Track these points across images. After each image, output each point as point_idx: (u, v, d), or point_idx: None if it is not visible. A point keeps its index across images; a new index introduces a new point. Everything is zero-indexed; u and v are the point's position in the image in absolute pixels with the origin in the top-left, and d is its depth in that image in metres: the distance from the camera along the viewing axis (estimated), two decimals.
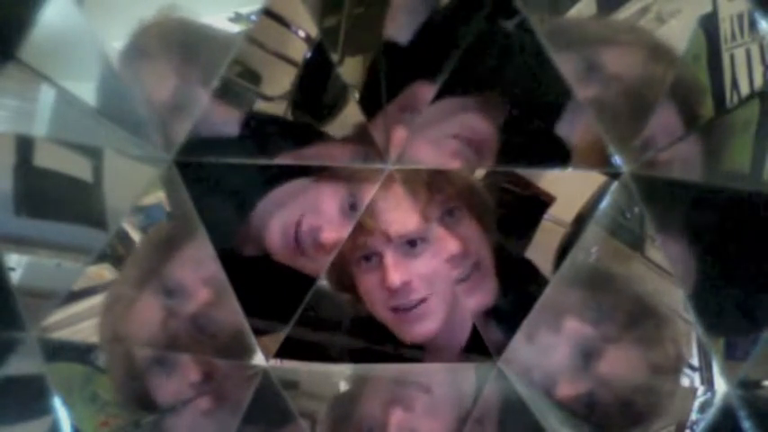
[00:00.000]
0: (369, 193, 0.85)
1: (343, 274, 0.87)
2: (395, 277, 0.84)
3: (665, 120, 0.83)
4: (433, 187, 0.85)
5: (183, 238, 0.88)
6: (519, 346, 0.85)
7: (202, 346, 0.88)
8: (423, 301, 0.86)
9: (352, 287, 0.87)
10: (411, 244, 0.85)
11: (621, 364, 0.86)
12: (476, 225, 0.86)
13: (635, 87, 0.84)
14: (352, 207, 0.86)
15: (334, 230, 0.85)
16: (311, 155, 0.87)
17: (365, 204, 0.85)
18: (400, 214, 0.85)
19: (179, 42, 0.88)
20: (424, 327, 0.87)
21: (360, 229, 0.85)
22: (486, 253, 0.86)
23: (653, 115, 0.82)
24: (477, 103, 0.85)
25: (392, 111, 0.84)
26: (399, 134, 0.84)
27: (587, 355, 0.85)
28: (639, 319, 0.86)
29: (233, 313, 0.87)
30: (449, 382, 0.90)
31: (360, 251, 0.86)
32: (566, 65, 0.81)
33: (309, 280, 0.86)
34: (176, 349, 0.89)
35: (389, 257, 0.85)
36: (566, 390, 0.87)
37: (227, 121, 0.87)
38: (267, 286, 0.88)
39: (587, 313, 0.86)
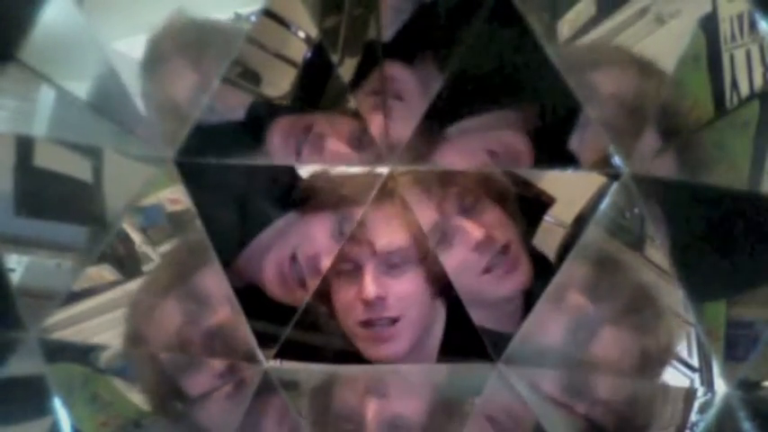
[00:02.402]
0: (355, 213, 0.85)
1: (323, 283, 0.87)
2: (371, 289, 0.84)
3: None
4: (446, 181, 0.85)
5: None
6: (519, 345, 0.85)
7: (214, 355, 0.89)
8: (394, 321, 0.86)
9: (328, 300, 0.87)
10: (394, 262, 0.85)
11: (614, 347, 0.86)
12: (499, 211, 0.86)
13: (630, 103, 0.84)
14: (342, 232, 0.86)
15: (332, 256, 0.86)
16: (317, 120, 0.86)
17: (358, 218, 0.85)
18: (390, 230, 0.85)
19: (193, 40, 0.88)
20: (390, 348, 0.86)
21: (349, 238, 0.85)
22: (513, 236, 0.86)
23: (652, 123, 0.83)
24: (516, 117, 0.86)
25: (362, 97, 0.85)
26: (378, 121, 0.84)
27: (582, 332, 0.85)
28: (640, 306, 0.86)
29: (246, 332, 0.87)
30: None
31: (343, 262, 0.86)
32: None
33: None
34: (187, 353, 0.89)
35: (370, 270, 0.85)
36: (559, 387, 0.87)
37: (230, 116, 0.87)
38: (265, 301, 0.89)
39: (590, 290, 0.86)
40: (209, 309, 0.88)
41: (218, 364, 0.89)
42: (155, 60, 0.88)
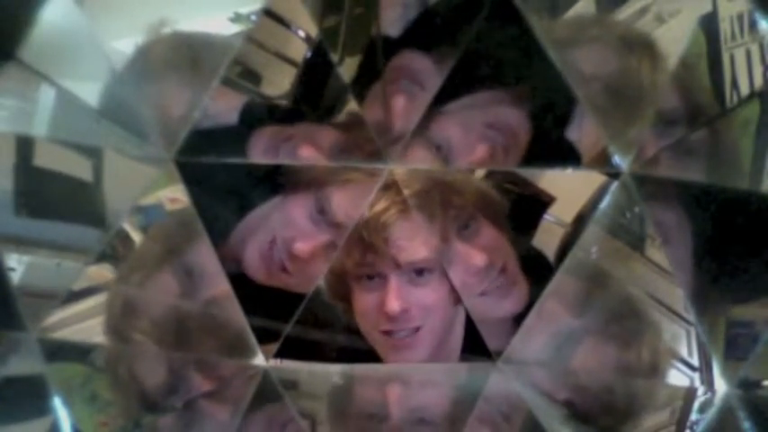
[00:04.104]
0: (334, 193, 0.85)
1: (340, 285, 0.86)
2: (395, 304, 0.84)
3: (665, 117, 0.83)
4: (445, 204, 0.84)
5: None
6: (517, 343, 0.85)
7: (209, 334, 0.88)
8: (415, 330, 0.86)
9: (347, 299, 0.87)
10: (418, 272, 0.85)
11: (593, 358, 0.86)
12: (493, 230, 0.86)
13: (613, 83, 0.84)
14: (321, 211, 0.86)
15: (307, 239, 0.85)
16: (297, 132, 0.86)
17: (336, 204, 0.85)
18: (414, 243, 0.84)
19: (183, 57, 0.88)
20: (409, 355, 0.86)
21: (370, 249, 0.84)
22: (510, 257, 0.86)
23: (642, 109, 0.82)
24: (514, 97, 0.85)
25: (382, 87, 0.84)
26: (399, 104, 0.84)
27: (563, 343, 0.86)
28: (622, 317, 0.86)
29: (240, 312, 0.87)
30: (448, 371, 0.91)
31: (364, 269, 0.85)
32: None
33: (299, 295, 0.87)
34: (182, 334, 0.88)
35: (393, 283, 0.84)
36: (550, 382, 0.88)
37: (228, 117, 0.87)
38: (262, 294, 0.89)
39: (574, 303, 0.86)
40: (207, 282, 0.88)
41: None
42: (145, 77, 0.88)
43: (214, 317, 0.88)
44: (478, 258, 0.84)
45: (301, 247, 0.85)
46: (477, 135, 0.85)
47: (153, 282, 0.89)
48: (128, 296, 0.90)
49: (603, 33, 0.86)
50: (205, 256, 0.87)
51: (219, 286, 0.87)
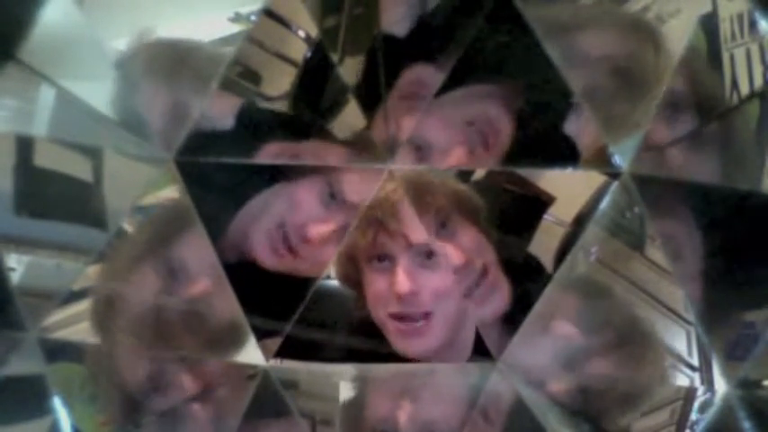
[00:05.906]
0: (345, 174, 0.85)
1: (351, 268, 0.86)
2: (404, 284, 0.84)
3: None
4: (419, 204, 0.84)
5: (195, 220, 0.87)
6: (518, 345, 0.85)
7: (191, 331, 0.88)
8: (426, 316, 0.85)
9: (358, 283, 0.86)
10: (428, 255, 0.85)
11: (596, 374, 0.86)
12: (473, 230, 0.85)
13: (621, 65, 0.84)
14: (332, 196, 0.86)
15: (320, 223, 0.85)
16: (305, 150, 0.86)
17: (348, 185, 0.85)
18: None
19: (164, 63, 0.88)
20: (421, 343, 0.86)
21: (382, 229, 0.84)
22: (491, 257, 0.85)
23: (644, 94, 0.82)
24: (499, 92, 0.85)
25: (394, 102, 0.84)
26: (408, 124, 0.84)
27: (571, 362, 0.86)
28: (628, 339, 0.86)
29: (230, 306, 0.86)
30: (451, 374, 0.90)
31: (376, 250, 0.85)
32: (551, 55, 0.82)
33: (307, 280, 0.86)
34: (164, 326, 0.88)
35: (403, 263, 0.84)
36: (557, 386, 0.87)
37: (227, 119, 0.87)
38: (265, 287, 0.88)
39: (580, 320, 0.86)
40: (188, 279, 0.87)
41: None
42: (129, 86, 0.88)
43: (197, 314, 0.88)
44: (456, 257, 0.84)
45: (316, 230, 0.85)
46: (455, 134, 0.85)
47: (134, 276, 0.89)
48: (110, 290, 0.90)
49: (610, 18, 0.86)
50: (192, 248, 0.87)
51: (204, 282, 0.87)
